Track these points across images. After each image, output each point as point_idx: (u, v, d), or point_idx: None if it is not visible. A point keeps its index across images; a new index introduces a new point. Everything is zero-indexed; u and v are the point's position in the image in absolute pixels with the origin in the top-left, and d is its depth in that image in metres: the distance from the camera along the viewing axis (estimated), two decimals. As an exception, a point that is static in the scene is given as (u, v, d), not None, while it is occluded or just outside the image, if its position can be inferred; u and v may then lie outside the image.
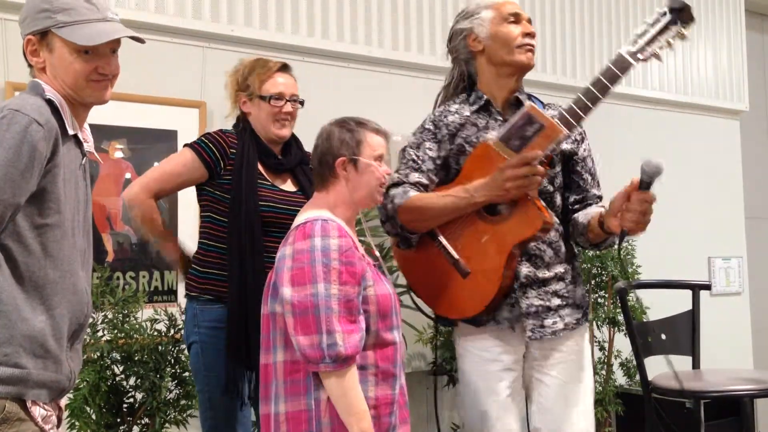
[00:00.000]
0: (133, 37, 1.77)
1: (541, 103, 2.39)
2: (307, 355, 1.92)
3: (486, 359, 2.31)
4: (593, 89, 2.15)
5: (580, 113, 2.16)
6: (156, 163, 3.69)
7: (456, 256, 2.26)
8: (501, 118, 2.35)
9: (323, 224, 2.01)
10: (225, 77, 2.68)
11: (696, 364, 2.61)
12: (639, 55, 2.13)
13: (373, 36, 4.33)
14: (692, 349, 2.62)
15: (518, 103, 2.35)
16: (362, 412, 1.94)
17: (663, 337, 2.64)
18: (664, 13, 2.11)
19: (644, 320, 2.82)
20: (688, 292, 2.72)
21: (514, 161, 2.11)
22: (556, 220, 2.32)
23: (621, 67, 2.14)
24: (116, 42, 1.75)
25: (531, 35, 2.32)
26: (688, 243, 5.32)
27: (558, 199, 2.38)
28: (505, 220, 2.22)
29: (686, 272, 4.86)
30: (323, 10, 4.16)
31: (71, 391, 1.95)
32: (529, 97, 2.41)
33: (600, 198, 2.43)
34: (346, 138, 2.11)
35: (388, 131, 2.20)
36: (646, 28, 2.14)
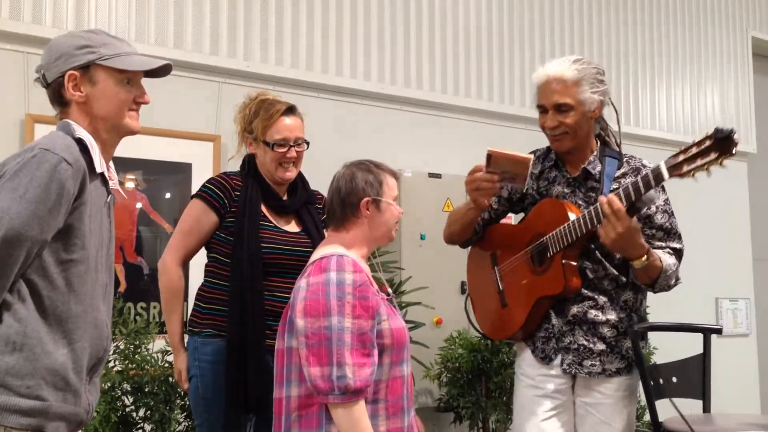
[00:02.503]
0: (166, 68, 1.87)
1: (617, 161, 2.48)
2: (317, 386, 1.94)
3: (529, 385, 2.51)
4: (630, 188, 2.23)
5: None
6: (167, 195, 3.76)
7: (501, 287, 2.56)
8: (569, 176, 2.52)
9: (338, 259, 2.05)
10: (234, 111, 2.69)
11: (707, 408, 2.61)
12: (675, 171, 2.16)
13: (386, 73, 4.40)
14: (703, 393, 2.62)
15: (587, 174, 2.49)
16: None
17: (674, 380, 2.64)
18: (710, 137, 2.09)
19: (652, 362, 2.82)
20: (695, 334, 2.73)
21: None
22: (619, 272, 2.43)
23: (656, 176, 2.19)
24: (142, 73, 1.85)
25: (551, 128, 2.43)
26: (696, 284, 5.31)
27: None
28: (541, 274, 2.44)
29: (694, 313, 4.86)
30: (337, 47, 4.24)
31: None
32: (602, 155, 2.50)
33: (676, 250, 2.46)
34: (369, 179, 2.17)
35: (398, 173, 2.26)
36: (691, 146, 2.14)
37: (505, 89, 4.85)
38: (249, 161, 2.64)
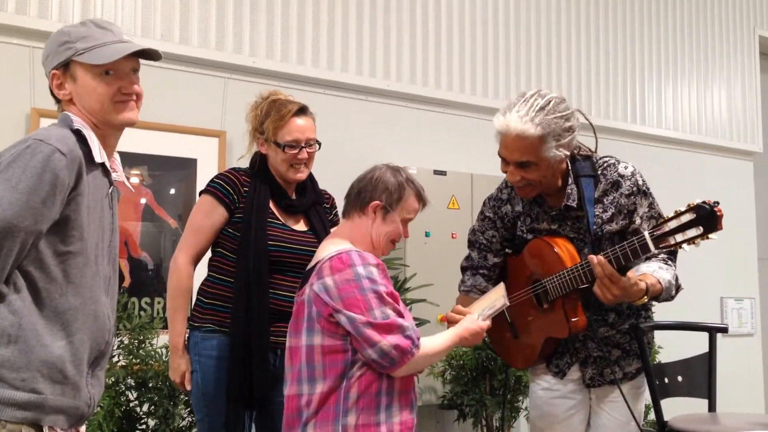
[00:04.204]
0: (149, 52, 1.77)
1: (592, 178, 2.38)
2: (402, 347, 2.00)
3: (543, 388, 2.49)
4: (619, 253, 2.15)
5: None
6: (172, 191, 3.76)
7: (509, 319, 2.50)
8: (551, 212, 2.40)
9: (359, 254, 2.09)
10: (246, 109, 2.65)
11: (712, 407, 2.60)
12: (661, 244, 2.08)
13: (392, 70, 4.39)
14: (709, 392, 2.61)
15: (569, 207, 2.37)
16: (448, 348, 2.16)
17: (679, 379, 2.64)
18: (692, 211, 2.00)
19: (657, 361, 2.81)
20: (700, 333, 2.72)
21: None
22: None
23: (642, 246, 2.11)
24: (135, 62, 1.78)
25: (513, 181, 2.32)
26: (701, 283, 5.31)
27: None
28: (546, 314, 2.39)
29: (699, 312, 4.85)
30: (343, 44, 4.23)
31: (87, 416, 1.95)
32: (576, 175, 2.36)
33: (670, 251, 2.37)
34: (392, 188, 2.17)
35: (428, 201, 2.25)
36: (675, 215, 2.04)
37: (511, 87, 4.84)
38: (259, 160, 2.62)
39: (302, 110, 2.57)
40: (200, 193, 2.60)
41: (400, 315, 2.06)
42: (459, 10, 4.68)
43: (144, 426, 2.98)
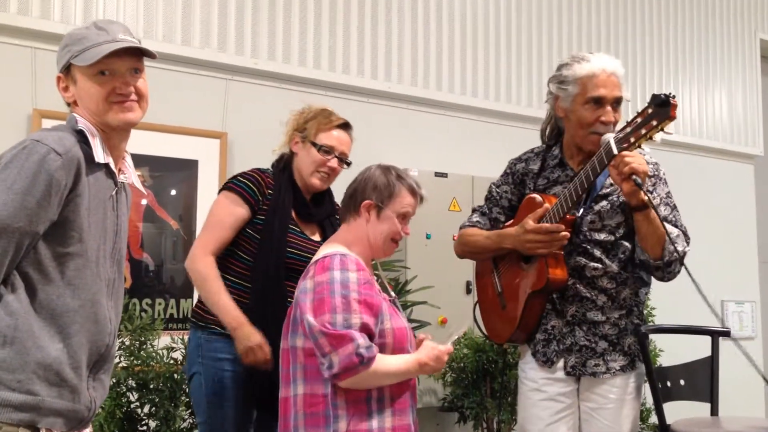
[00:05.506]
0: (141, 50, 1.76)
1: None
2: (347, 364, 1.96)
3: (531, 388, 2.46)
4: (582, 175, 2.24)
5: (575, 195, 2.28)
6: (173, 192, 3.75)
7: (499, 289, 2.55)
8: (573, 174, 2.41)
9: (342, 258, 2.08)
10: (288, 115, 2.69)
11: (714, 411, 2.60)
12: (623, 144, 2.16)
13: (393, 72, 4.39)
14: (711, 396, 2.61)
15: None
16: (406, 373, 2.09)
17: (682, 382, 2.63)
18: (649, 105, 2.10)
19: (658, 364, 2.81)
20: (702, 337, 2.72)
21: (532, 227, 2.31)
22: (620, 269, 2.39)
23: (607, 152, 2.18)
24: (134, 62, 1.76)
25: (606, 123, 2.33)
26: (702, 286, 5.28)
27: (623, 247, 2.41)
28: (528, 270, 2.42)
29: (699, 316, 4.82)
30: (345, 46, 4.23)
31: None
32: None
33: (686, 235, 2.43)
34: (381, 185, 2.16)
35: (424, 194, 2.23)
36: (634, 117, 2.14)
37: (512, 89, 4.84)
38: (286, 160, 2.64)
39: (348, 125, 2.66)
40: (220, 190, 2.59)
41: (366, 327, 2.01)
42: (460, 12, 4.68)
43: (145, 427, 2.97)
